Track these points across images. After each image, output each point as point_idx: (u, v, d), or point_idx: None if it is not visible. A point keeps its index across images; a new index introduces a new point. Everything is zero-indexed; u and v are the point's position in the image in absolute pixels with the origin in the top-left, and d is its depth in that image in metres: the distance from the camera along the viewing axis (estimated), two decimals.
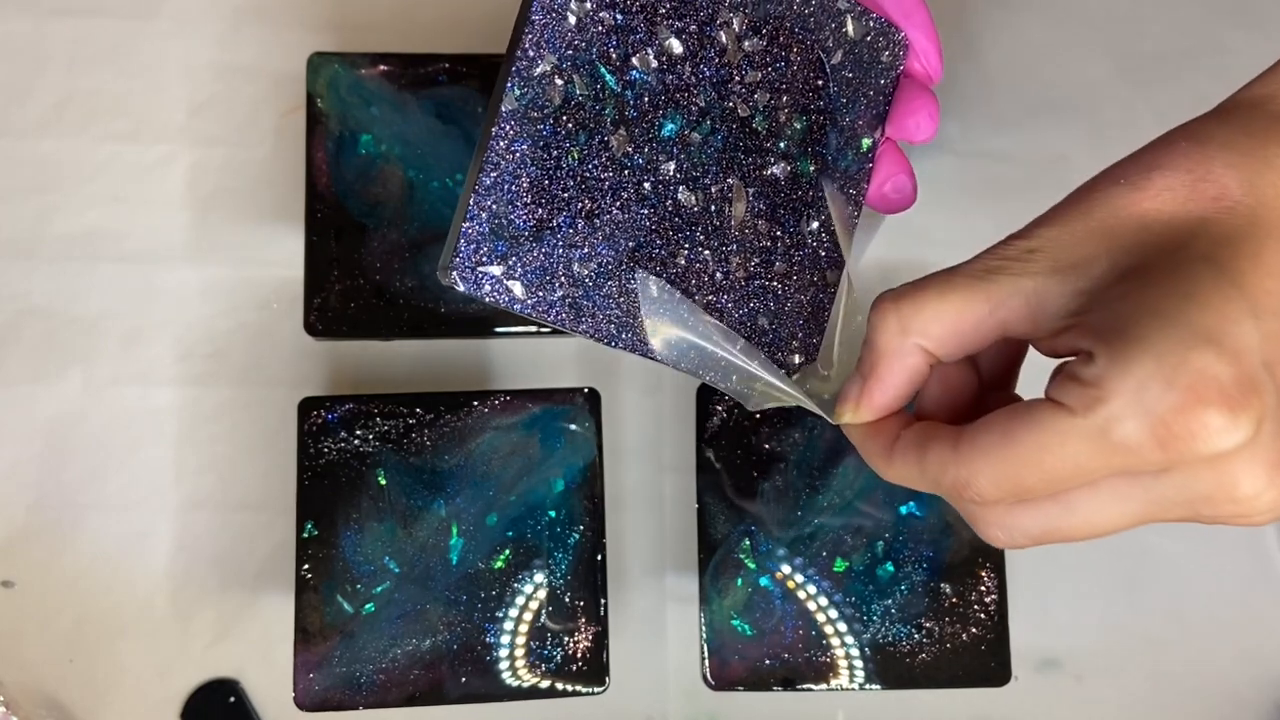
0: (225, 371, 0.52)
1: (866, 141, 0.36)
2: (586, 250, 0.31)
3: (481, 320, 0.49)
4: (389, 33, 0.55)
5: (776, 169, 0.35)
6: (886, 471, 0.30)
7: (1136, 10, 0.56)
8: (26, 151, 0.53)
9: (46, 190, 0.53)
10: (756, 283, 0.35)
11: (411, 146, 0.49)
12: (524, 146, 0.30)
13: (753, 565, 0.47)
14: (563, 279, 0.31)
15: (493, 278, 0.30)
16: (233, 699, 0.49)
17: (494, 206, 0.30)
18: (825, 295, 0.36)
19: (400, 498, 0.47)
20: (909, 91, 0.37)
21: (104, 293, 0.52)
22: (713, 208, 0.33)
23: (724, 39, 0.33)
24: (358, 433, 0.47)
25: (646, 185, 0.32)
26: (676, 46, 0.32)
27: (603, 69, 0.31)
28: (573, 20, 0.30)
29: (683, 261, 0.33)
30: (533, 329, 0.49)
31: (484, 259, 0.30)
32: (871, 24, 0.36)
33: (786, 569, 0.47)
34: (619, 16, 0.31)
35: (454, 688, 0.46)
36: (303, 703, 0.45)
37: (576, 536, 0.47)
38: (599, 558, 0.47)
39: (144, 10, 0.54)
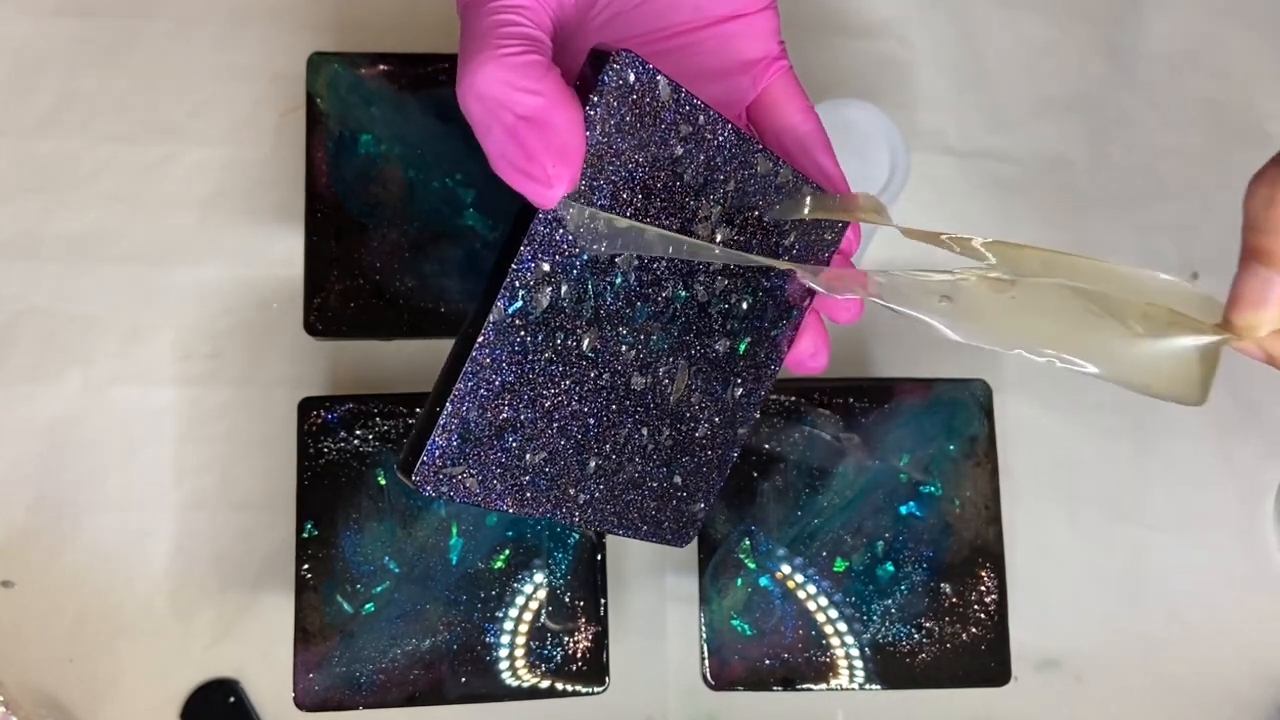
0: (225, 371, 0.52)
1: (795, 313, 0.37)
2: (541, 441, 0.31)
3: None
4: (389, 33, 0.55)
5: (719, 346, 0.35)
6: None
7: (1136, 10, 0.56)
8: (26, 151, 0.53)
9: (46, 190, 0.53)
10: (679, 448, 0.35)
11: (411, 146, 0.49)
12: (503, 354, 0.29)
13: (753, 565, 0.47)
14: (515, 470, 0.31)
15: (453, 479, 0.29)
16: (233, 699, 0.49)
17: (466, 413, 0.29)
18: (731, 449, 0.37)
19: (400, 498, 0.47)
20: (839, 269, 0.37)
21: (104, 293, 0.52)
22: (658, 387, 0.34)
23: (700, 232, 0.33)
24: (358, 433, 0.47)
25: (605, 376, 0.32)
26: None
27: (588, 274, 0.30)
28: (570, 228, 0.29)
29: (622, 438, 0.33)
30: None
31: (450, 461, 0.29)
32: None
33: (786, 569, 0.47)
34: None
35: (454, 688, 0.46)
36: (303, 703, 0.45)
37: (576, 536, 0.47)
38: (599, 558, 0.47)
39: (144, 10, 0.54)
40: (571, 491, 0.32)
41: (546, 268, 0.29)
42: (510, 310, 0.29)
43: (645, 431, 0.34)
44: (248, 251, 0.53)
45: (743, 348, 0.35)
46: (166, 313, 0.52)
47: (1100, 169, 0.55)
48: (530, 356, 0.30)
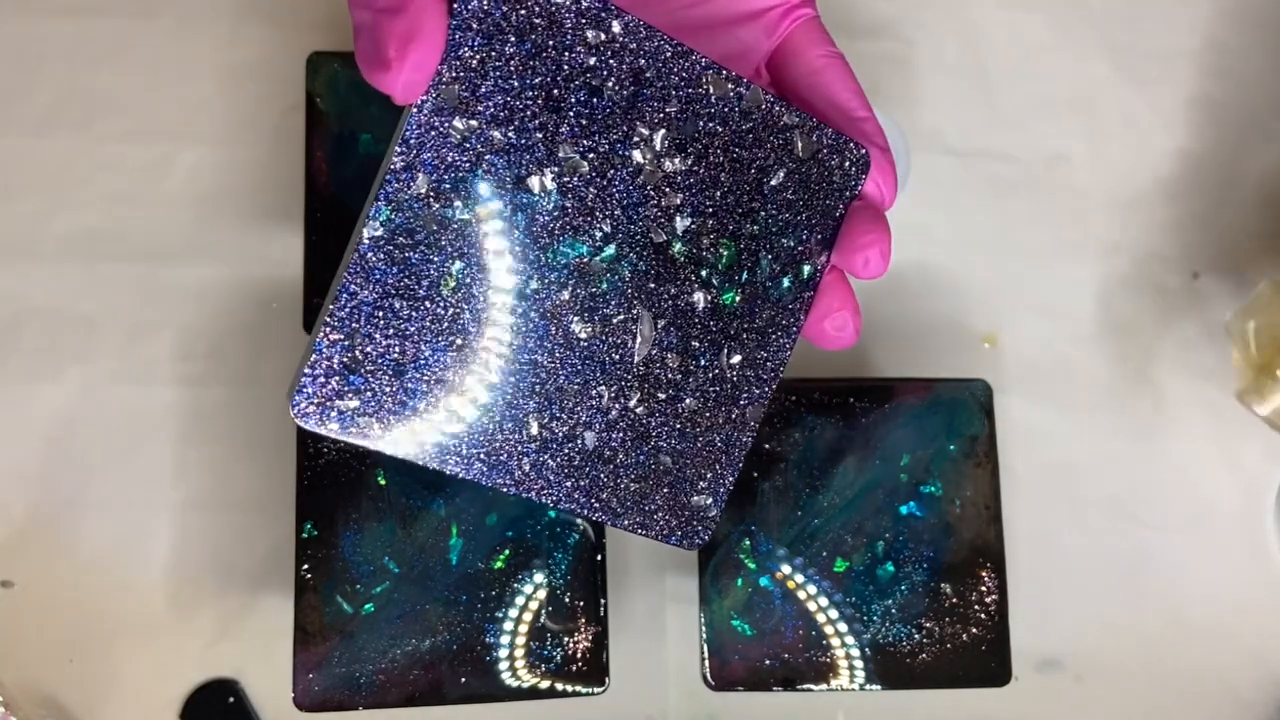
0: (225, 371, 0.52)
1: (807, 269, 0.33)
2: (455, 385, 0.28)
3: None
4: None
5: (695, 298, 0.31)
6: None
7: (1136, 10, 0.56)
8: (26, 151, 0.53)
9: (46, 190, 0.53)
10: (658, 419, 0.32)
11: None
12: (391, 275, 0.27)
13: (753, 565, 0.47)
14: (426, 417, 0.28)
15: (343, 414, 0.27)
16: (232, 699, 0.49)
17: (349, 339, 0.27)
18: (741, 434, 0.33)
19: (400, 498, 0.47)
20: (860, 219, 0.33)
21: (104, 293, 0.52)
22: (613, 339, 0.30)
23: (639, 158, 0.29)
24: None
25: (534, 316, 0.29)
26: (582, 166, 0.29)
27: (488, 191, 0.28)
28: (456, 137, 0.27)
29: (571, 399, 0.30)
30: None
31: (334, 394, 0.27)
32: (825, 140, 0.32)
33: (786, 569, 0.47)
34: (511, 134, 0.28)
35: (454, 688, 0.46)
36: (302, 703, 0.45)
37: (576, 536, 0.47)
38: (599, 558, 0.47)
39: (144, 10, 0.54)
40: (514, 452, 0.30)
41: (429, 179, 0.27)
42: (389, 226, 0.27)
43: (603, 393, 0.31)
44: (248, 251, 0.53)
45: (729, 300, 0.32)
46: (166, 313, 0.52)
47: (1100, 169, 0.55)
48: (423, 282, 0.28)
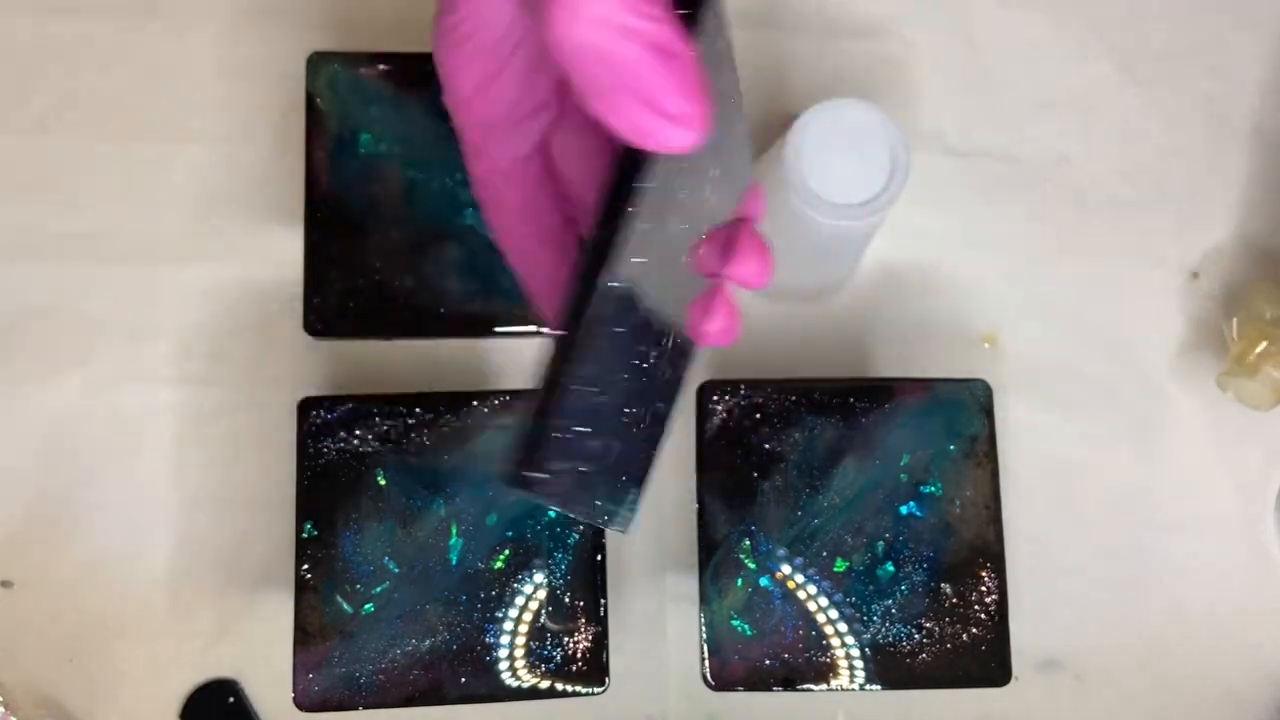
0: (225, 371, 0.52)
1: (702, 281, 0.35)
2: (609, 439, 0.29)
3: (481, 320, 0.49)
4: (389, 33, 0.55)
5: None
6: None
7: (1136, 10, 0.56)
8: (26, 151, 0.53)
9: (46, 190, 0.53)
10: (624, 420, 0.33)
11: (411, 146, 0.49)
12: (604, 341, 0.27)
13: (753, 565, 0.47)
14: (586, 470, 0.29)
15: (547, 484, 0.27)
16: (232, 699, 0.49)
17: (566, 409, 0.27)
18: (664, 428, 0.34)
19: (400, 498, 0.47)
20: (746, 236, 0.34)
21: (104, 293, 0.52)
22: (650, 365, 0.31)
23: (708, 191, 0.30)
24: (357, 433, 0.47)
25: (631, 357, 0.30)
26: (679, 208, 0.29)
27: (656, 243, 0.27)
28: (674, 191, 0.26)
29: (621, 419, 0.31)
30: (532, 329, 0.49)
31: (546, 460, 0.27)
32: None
33: (786, 569, 0.47)
34: (681, 181, 0.28)
35: (454, 688, 0.46)
36: (302, 703, 0.45)
37: (576, 536, 0.47)
38: (599, 558, 0.47)
39: (144, 10, 0.54)
40: (596, 480, 0.30)
41: (640, 235, 0.26)
42: (607, 298, 0.26)
43: (631, 410, 0.32)
44: (248, 251, 0.53)
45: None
46: (166, 313, 0.52)
47: (1100, 169, 0.55)
48: (620, 354, 0.28)
